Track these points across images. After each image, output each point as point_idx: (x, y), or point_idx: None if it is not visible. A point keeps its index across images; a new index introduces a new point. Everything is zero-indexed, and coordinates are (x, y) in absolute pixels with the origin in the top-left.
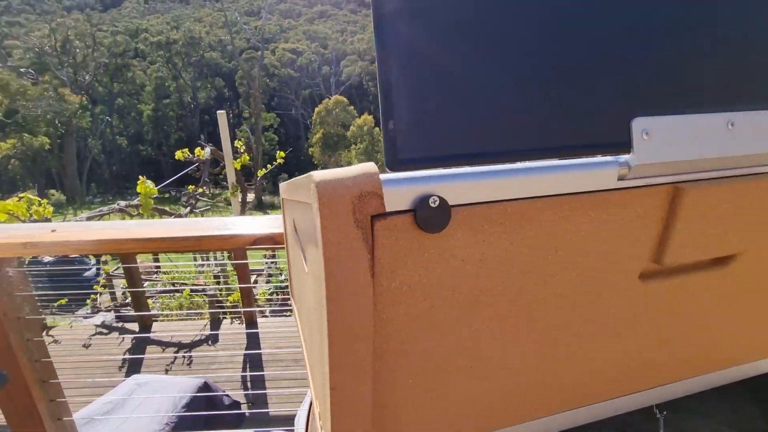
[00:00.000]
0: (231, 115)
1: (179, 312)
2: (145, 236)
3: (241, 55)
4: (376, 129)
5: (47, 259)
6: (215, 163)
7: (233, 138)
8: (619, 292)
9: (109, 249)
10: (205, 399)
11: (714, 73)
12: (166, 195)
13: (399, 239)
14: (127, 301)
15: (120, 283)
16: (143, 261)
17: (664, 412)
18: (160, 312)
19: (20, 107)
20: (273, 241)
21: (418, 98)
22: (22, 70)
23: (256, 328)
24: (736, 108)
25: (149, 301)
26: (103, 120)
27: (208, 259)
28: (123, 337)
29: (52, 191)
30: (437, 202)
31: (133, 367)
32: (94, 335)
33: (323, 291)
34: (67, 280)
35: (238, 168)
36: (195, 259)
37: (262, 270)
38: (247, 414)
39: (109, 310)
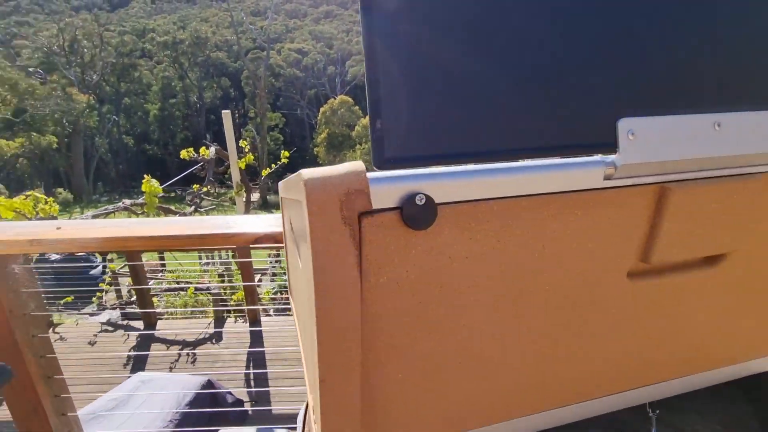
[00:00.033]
0: (237, 115)
1: (184, 309)
2: (148, 234)
3: (247, 55)
4: None
5: (54, 257)
6: (220, 162)
7: (238, 137)
8: (608, 290)
9: (112, 246)
10: (209, 397)
11: (701, 75)
12: (172, 194)
13: (386, 236)
14: (132, 299)
15: (125, 282)
16: (149, 260)
17: (657, 411)
18: (165, 309)
19: (29, 106)
20: (274, 240)
21: (405, 98)
22: (30, 69)
23: (260, 327)
24: (723, 109)
25: (154, 299)
26: (110, 119)
27: (212, 258)
28: (128, 335)
29: (60, 190)
30: (423, 200)
31: (137, 364)
32: (99, 333)
33: (312, 285)
34: (74, 278)
35: (243, 167)
36: (200, 258)
37: (267, 269)
38: (250, 412)
39: (115, 308)
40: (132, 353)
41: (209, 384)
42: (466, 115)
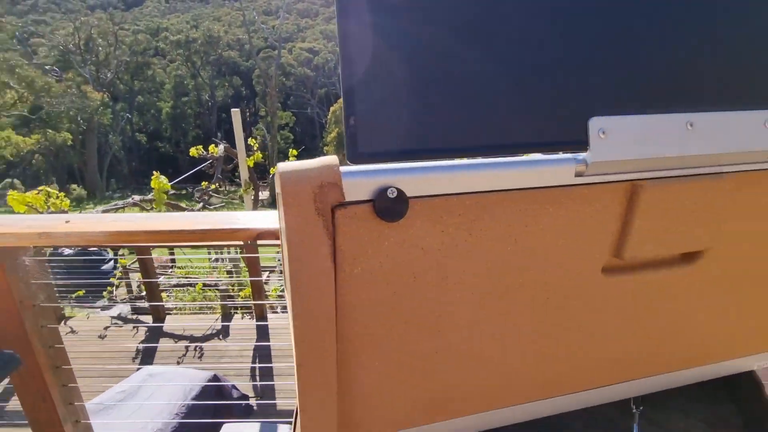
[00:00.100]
0: (248, 114)
1: (192, 304)
2: (154, 228)
3: (259, 54)
4: None
5: (67, 251)
6: (229, 160)
7: (249, 136)
8: (583, 285)
9: (120, 240)
10: (215, 391)
11: (675, 75)
12: (183, 191)
13: (359, 228)
14: (142, 294)
15: (136, 277)
16: (159, 255)
17: (641, 408)
18: (174, 304)
19: (45, 104)
20: (275, 236)
21: (378, 95)
22: (47, 67)
23: (266, 322)
24: (696, 109)
25: (163, 294)
26: (124, 117)
27: (221, 253)
28: (137, 329)
29: (74, 186)
30: (395, 194)
31: (146, 358)
32: (109, 327)
33: (288, 274)
34: (86, 272)
35: (251, 165)
36: (209, 254)
37: (275, 267)
38: (254, 406)
39: (125, 302)
40: (141, 347)
41: (215, 378)
42: (438, 112)
